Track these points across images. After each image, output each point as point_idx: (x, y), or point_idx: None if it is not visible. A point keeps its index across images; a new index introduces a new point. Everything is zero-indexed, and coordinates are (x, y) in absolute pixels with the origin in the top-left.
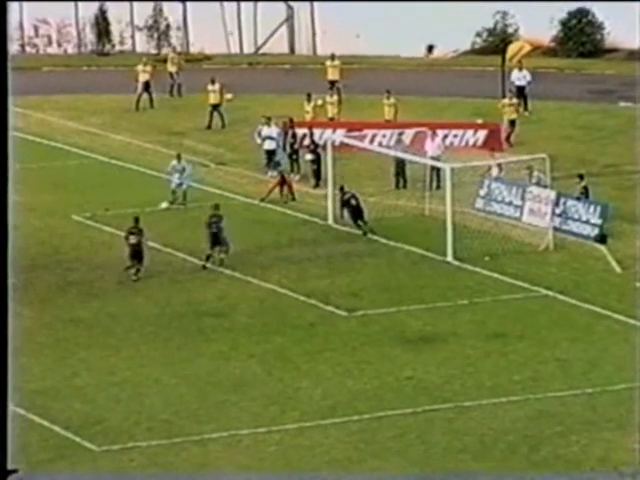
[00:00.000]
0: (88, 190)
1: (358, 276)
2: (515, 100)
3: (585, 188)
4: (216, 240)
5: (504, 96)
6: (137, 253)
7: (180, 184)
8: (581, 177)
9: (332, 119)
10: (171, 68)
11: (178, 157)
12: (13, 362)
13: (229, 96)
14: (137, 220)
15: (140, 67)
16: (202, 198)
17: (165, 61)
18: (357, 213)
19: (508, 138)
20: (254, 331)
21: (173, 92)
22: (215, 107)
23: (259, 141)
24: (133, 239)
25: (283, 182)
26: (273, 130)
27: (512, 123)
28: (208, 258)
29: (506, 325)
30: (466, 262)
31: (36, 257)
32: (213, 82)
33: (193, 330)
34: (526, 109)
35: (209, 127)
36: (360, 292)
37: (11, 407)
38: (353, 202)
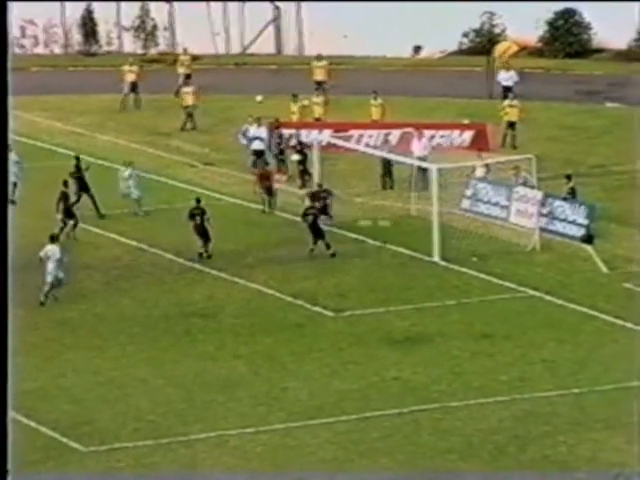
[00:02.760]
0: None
1: (345, 276)
2: (516, 102)
3: (572, 189)
4: (315, 230)
5: (491, 97)
6: (203, 232)
7: (128, 194)
8: (569, 178)
9: (318, 119)
10: (180, 69)
11: (129, 164)
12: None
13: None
14: (199, 200)
15: (126, 67)
16: (189, 198)
17: (152, 61)
18: (323, 210)
19: (505, 139)
20: (241, 332)
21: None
22: (187, 108)
23: (244, 141)
24: (197, 220)
25: (265, 178)
26: (262, 130)
27: (512, 125)
28: (328, 246)
29: (493, 325)
30: (453, 262)
31: (24, 258)
32: (187, 84)
33: (180, 331)
34: None
35: (194, 128)
36: (347, 292)
37: None
38: (327, 200)
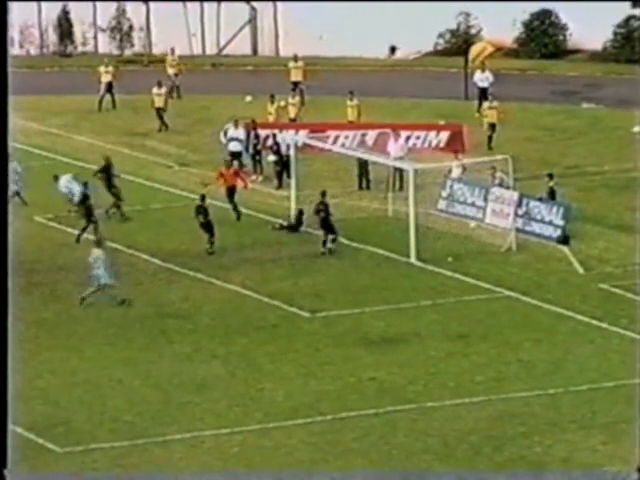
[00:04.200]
0: (50, 191)
1: (321, 277)
2: (495, 103)
3: (552, 188)
4: (326, 225)
5: (467, 98)
6: (209, 229)
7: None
8: (550, 176)
9: (293, 120)
10: (170, 70)
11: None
12: None
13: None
14: (203, 198)
15: (102, 68)
16: (166, 199)
17: (128, 62)
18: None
19: (490, 142)
20: (217, 332)
21: (172, 94)
22: (158, 110)
23: (224, 141)
24: (201, 218)
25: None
26: (240, 132)
27: (492, 127)
28: (324, 243)
29: (469, 326)
30: (429, 263)
31: None
32: (160, 85)
33: (156, 331)
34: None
35: (166, 128)
36: (323, 293)
37: None
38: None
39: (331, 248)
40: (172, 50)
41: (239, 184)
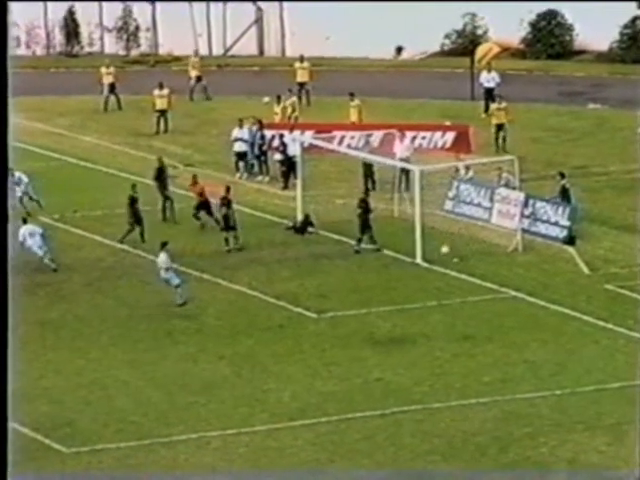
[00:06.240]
0: (56, 192)
1: (327, 278)
2: (504, 104)
3: (564, 187)
4: (361, 223)
5: (473, 98)
6: (229, 223)
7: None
8: (562, 175)
9: (288, 119)
10: (192, 72)
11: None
12: None
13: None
14: (228, 190)
15: (103, 69)
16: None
17: (134, 62)
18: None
19: (497, 142)
20: (223, 333)
21: (192, 96)
22: (162, 112)
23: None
24: (224, 210)
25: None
26: (245, 132)
27: (499, 127)
28: (359, 241)
29: (475, 326)
30: (435, 264)
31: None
32: (162, 87)
33: (162, 332)
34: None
35: (166, 130)
36: (329, 294)
37: None
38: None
39: (358, 248)
40: (195, 52)
41: (211, 197)
